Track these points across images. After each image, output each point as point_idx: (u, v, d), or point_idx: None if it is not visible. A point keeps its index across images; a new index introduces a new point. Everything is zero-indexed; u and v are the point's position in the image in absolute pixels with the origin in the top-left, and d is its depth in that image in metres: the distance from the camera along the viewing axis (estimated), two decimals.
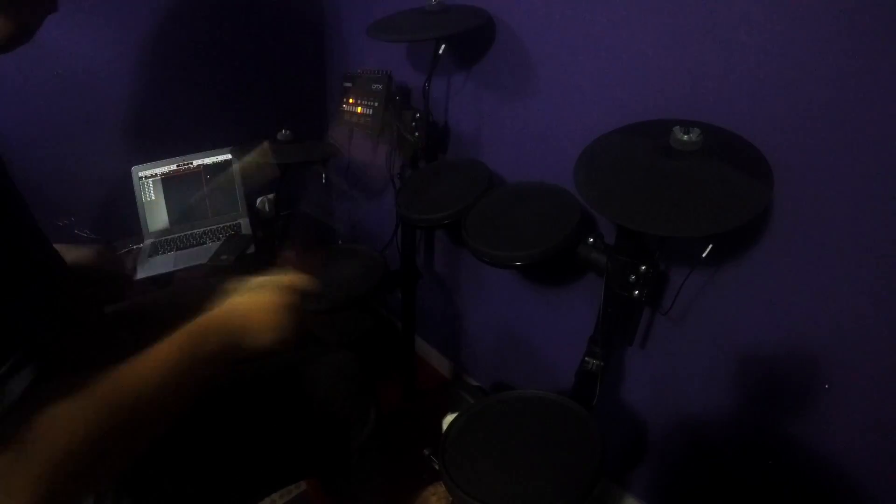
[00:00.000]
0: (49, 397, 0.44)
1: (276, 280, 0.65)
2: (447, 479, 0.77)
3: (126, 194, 1.45)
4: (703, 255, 0.80)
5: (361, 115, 1.33)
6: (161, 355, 0.51)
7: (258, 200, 1.68)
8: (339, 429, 0.85)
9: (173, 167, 1.47)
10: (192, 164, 1.49)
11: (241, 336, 0.58)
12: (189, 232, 1.48)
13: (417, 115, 1.24)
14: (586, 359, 0.96)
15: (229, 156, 1.52)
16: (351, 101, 1.36)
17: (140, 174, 1.45)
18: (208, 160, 1.51)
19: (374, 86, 1.29)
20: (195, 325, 0.56)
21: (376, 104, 1.29)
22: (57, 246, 0.64)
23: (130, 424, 0.48)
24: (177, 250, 1.43)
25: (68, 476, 0.43)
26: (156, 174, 1.46)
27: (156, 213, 1.47)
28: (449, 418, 1.09)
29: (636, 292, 0.86)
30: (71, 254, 0.75)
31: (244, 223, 1.57)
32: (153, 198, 1.47)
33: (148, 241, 1.44)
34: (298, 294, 0.65)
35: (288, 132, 1.42)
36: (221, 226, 1.54)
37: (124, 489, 0.69)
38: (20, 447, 0.42)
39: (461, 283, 1.55)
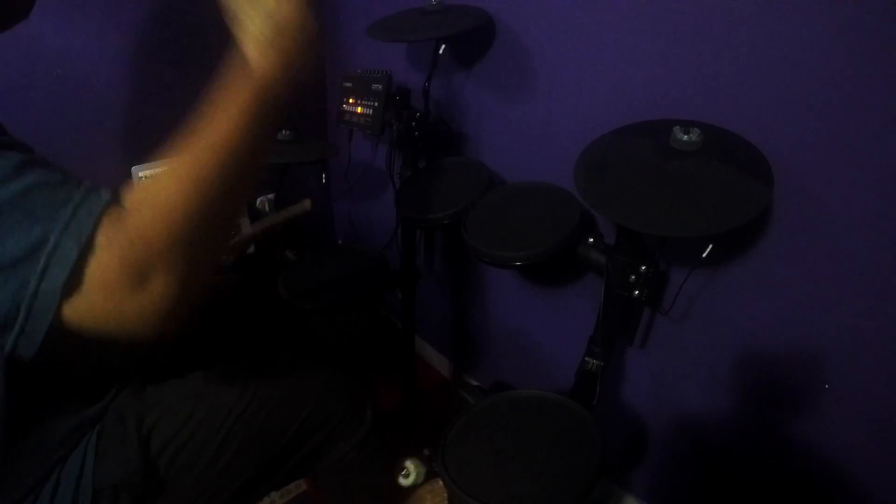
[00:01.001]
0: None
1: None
2: (447, 478, 0.77)
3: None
4: (703, 255, 0.80)
5: (361, 115, 1.33)
6: (234, 108, 0.52)
7: (258, 200, 1.68)
8: (335, 426, 0.85)
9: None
10: None
11: (295, 53, 0.57)
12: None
13: (417, 115, 1.24)
14: (586, 359, 0.96)
15: None
16: (351, 101, 1.36)
17: (140, 174, 1.45)
18: None
19: (374, 86, 1.29)
20: (254, 55, 0.55)
21: (376, 104, 1.28)
22: None
23: (224, 169, 0.50)
24: None
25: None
26: (156, 174, 1.46)
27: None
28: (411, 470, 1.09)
29: (636, 292, 0.86)
30: None
31: (244, 223, 1.57)
32: None
33: None
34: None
35: (288, 132, 1.42)
36: None
37: (124, 489, 0.69)
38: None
39: (461, 283, 1.55)
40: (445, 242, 1.54)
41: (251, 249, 1.44)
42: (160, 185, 0.48)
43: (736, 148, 0.79)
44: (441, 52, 1.14)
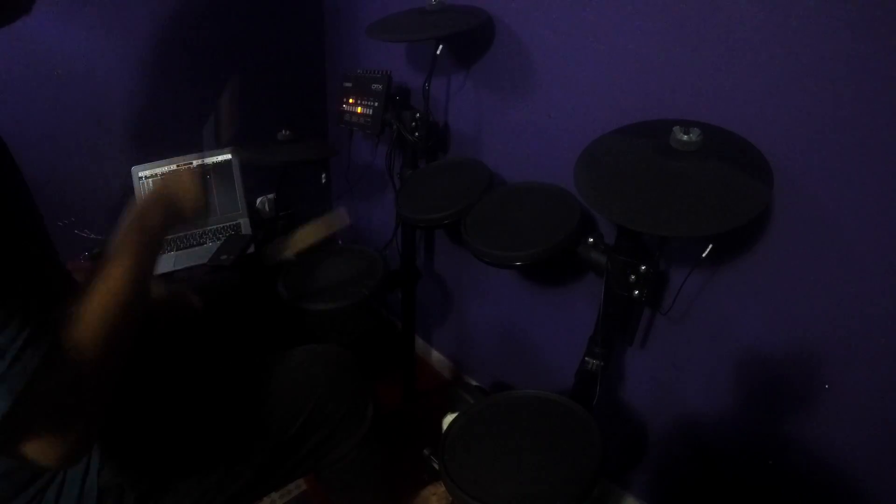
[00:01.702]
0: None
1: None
2: (447, 479, 0.77)
3: (126, 194, 1.45)
4: (703, 255, 0.80)
5: (361, 115, 1.33)
6: (128, 245, 0.62)
7: (258, 200, 1.68)
8: (336, 426, 0.85)
9: (173, 167, 1.47)
10: (192, 163, 1.49)
11: (174, 203, 0.71)
12: (189, 232, 1.48)
13: (417, 115, 1.24)
14: (586, 359, 0.96)
15: (229, 156, 1.52)
16: (351, 101, 1.36)
17: (140, 174, 1.45)
18: (208, 160, 1.51)
19: (374, 86, 1.29)
20: (137, 212, 0.67)
21: (376, 104, 1.29)
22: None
23: (128, 312, 0.58)
24: (177, 250, 1.43)
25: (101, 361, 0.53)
26: (156, 174, 1.46)
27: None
28: (449, 418, 1.09)
29: (636, 292, 0.86)
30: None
31: (244, 223, 1.57)
32: None
33: None
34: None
35: (288, 132, 1.42)
36: (221, 226, 1.54)
37: (129, 488, 0.69)
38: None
39: (461, 283, 1.55)
40: (445, 242, 1.54)
41: (251, 249, 1.44)
42: (83, 340, 0.53)
43: (736, 148, 0.79)
44: (439, 52, 1.14)
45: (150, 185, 1.45)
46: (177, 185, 0.73)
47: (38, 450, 0.50)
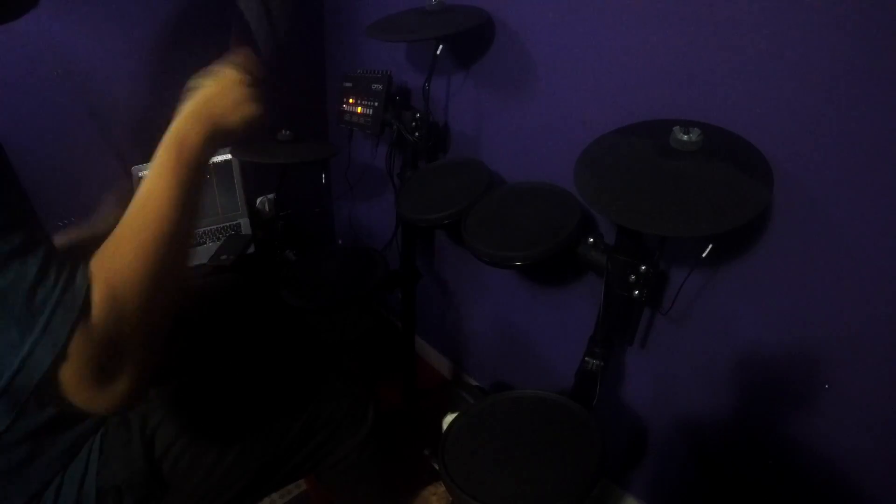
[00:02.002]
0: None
1: (228, 64, 0.69)
2: (447, 479, 0.77)
3: (126, 194, 1.45)
4: (703, 255, 0.80)
5: (361, 115, 1.33)
6: (161, 168, 0.57)
7: (258, 200, 1.68)
8: (337, 427, 0.85)
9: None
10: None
11: (218, 121, 0.63)
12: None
13: (417, 115, 1.24)
14: (586, 359, 0.96)
15: (229, 156, 1.52)
16: (351, 101, 1.36)
17: (140, 174, 1.45)
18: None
19: (374, 86, 1.29)
20: (175, 129, 0.61)
21: (376, 104, 1.29)
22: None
23: (165, 238, 0.53)
24: None
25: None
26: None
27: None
28: (449, 418, 1.09)
29: (636, 292, 0.86)
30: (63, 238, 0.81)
31: (244, 223, 1.57)
32: None
33: None
34: (251, 69, 0.69)
35: (288, 132, 1.42)
36: (221, 226, 1.54)
37: (127, 490, 0.69)
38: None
39: (461, 283, 1.55)
40: (445, 242, 1.54)
41: (251, 249, 1.44)
42: (120, 279, 0.50)
43: (736, 148, 0.79)
44: (439, 52, 1.14)
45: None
46: (221, 93, 0.64)
47: (87, 398, 0.48)
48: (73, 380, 0.47)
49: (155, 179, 0.56)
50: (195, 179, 0.59)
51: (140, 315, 0.50)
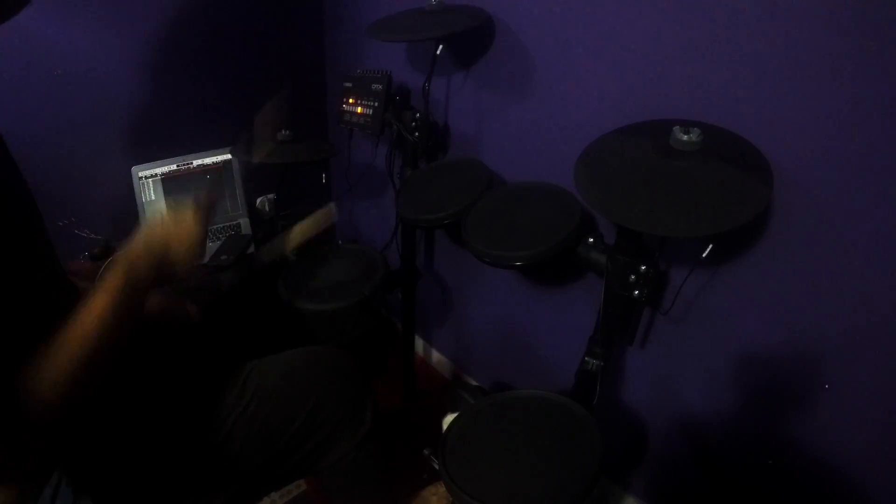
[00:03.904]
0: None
1: (189, 206, 0.74)
2: (447, 479, 0.77)
3: (126, 194, 1.45)
4: (703, 255, 0.80)
5: (361, 115, 1.33)
6: (106, 294, 0.60)
7: (258, 200, 1.68)
8: (335, 427, 0.85)
9: (173, 167, 1.47)
10: (192, 164, 1.49)
11: (165, 259, 0.68)
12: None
13: (417, 115, 1.24)
14: (586, 359, 0.96)
15: (229, 156, 1.52)
16: (351, 101, 1.36)
17: (140, 174, 1.45)
18: (208, 160, 1.51)
19: (374, 86, 1.29)
20: (124, 260, 0.64)
21: (376, 104, 1.29)
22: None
23: (98, 358, 0.57)
24: None
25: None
26: (156, 174, 1.46)
27: (156, 213, 1.47)
28: (449, 418, 1.09)
29: (636, 292, 0.86)
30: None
31: (244, 223, 1.57)
32: (153, 198, 1.47)
33: None
34: (203, 207, 0.75)
35: (288, 132, 1.42)
36: (221, 226, 1.54)
37: (125, 489, 0.69)
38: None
39: (461, 283, 1.55)
40: (445, 242, 1.54)
41: (251, 249, 1.44)
42: (46, 384, 0.53)
43: (736, 148, 0.79)
44: (439, 52, 1.14)
45: (151, 186, 1.45)
46: (174, 232, 0.70)
47: None
48: None
49: (101, 300, 0.59)
50: (134, 309, 0.64)
51: (52, 412, 0.53)
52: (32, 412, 0.52)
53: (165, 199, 1.47)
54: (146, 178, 1.45)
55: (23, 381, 0.52)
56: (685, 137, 0.76)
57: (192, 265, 0.72)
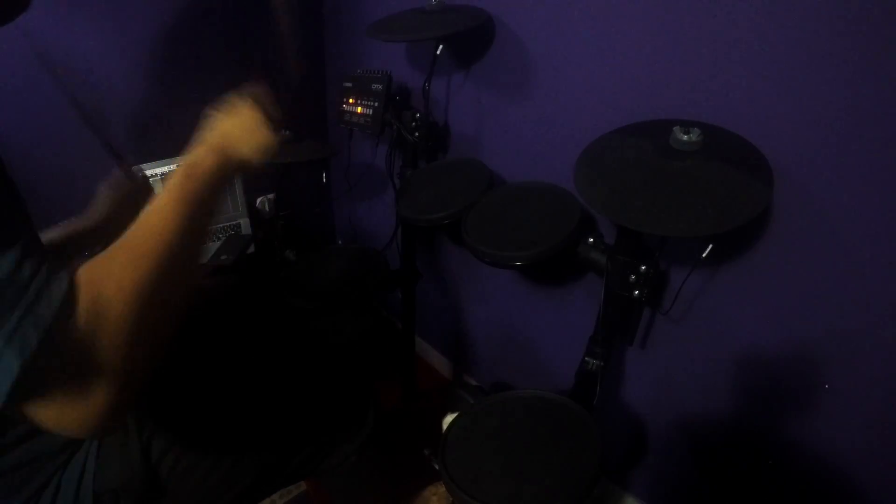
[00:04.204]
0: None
1: (245, 97, 0.70)
2: (447, 479, 0.77)
3: (121, 185, 1.45)
4: (703, 255, 0.80)
5: (361, 115, 1.33)
6: (170, 189, 0.55)
7: (258, 200, 1.68)
8: (337, 429, 0.85)
9: (173, 167, 1.47)
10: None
11: (231, 153, 0.63)
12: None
13: (417, 115, 1.24)
14: (586, 359, 0.96)
15: None
16: (351, 101, 1.36)
17: (140, 174, 1.45)
18: None
19: (374, 86, 1.29)
20: (189, 156, 0.60)
21: (376, 104, 1.29)
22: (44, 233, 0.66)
23: (164, 261, 0.51)
24: None
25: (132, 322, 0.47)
26: (156, 174, 1.46)
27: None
28: (449, 418, 1.09)
29: (636, 292, 0.86)
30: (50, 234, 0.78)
31: (244, 223, 1.57)
32: None
33: None
34: (267, 105, 0.70)
35: (288, 132, 1.42)
36: (221, 226, 1.54)
37: (125, 493, 0.69)
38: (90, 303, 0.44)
39: (461, 283, 1.55)
40: (445, 242, 1.54)
41: (251, 249, 1.44)
42: (107, 286, 0.47)
43: (736, 148, 0.79)
44: (439, 52, 1.14)
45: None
46: (237, 126, 0.65)
47: (55, 417, 0.44)
48: (43, 391, 0.43)
49: (163, 198, 0.55)
50: (203, 206, 0.58)
51: (122, 328, 0.46)
52: (97, 324, 0.45)
53: None
54: (147, 178, 1.45)
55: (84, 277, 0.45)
56: (685, 137, 0.76)
57: (266, 157, 0.67)
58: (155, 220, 0.53)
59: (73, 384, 0.44)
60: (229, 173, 0.63)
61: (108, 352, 0.45)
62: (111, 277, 0.47)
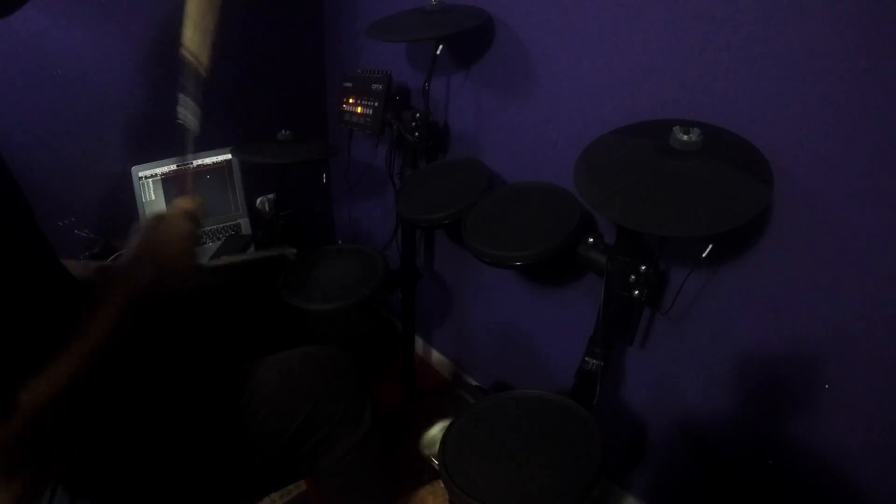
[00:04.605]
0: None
1: (177, 210, 0.72)
2: (447, 478, 0.77)
3: (126, 194, 1.45)
4: (703, 255, 0.80)
5: (361, 115, 1.33)
6: (108, 306, 0.56)
7: (258, 200, 1.68)
8: (334, 427, 0.85)
9: (173, 167, 1.47)
10: (192, 164, 1.49)
11: (164, 265, 0.64)
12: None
13: (417, 115, 1.24)
14: (586, 359, 0.96)
15: (229, 156, 1.52)
16: (351, 101, 1.36)
17: (140, 174, 1.45)
18: (208, 160, 1.51)
19: (374, 86, 1.29)
20: (124, 270, 0.61)
21: (376, 104, 1.29)
22: (67, 262, 0.68)
23: (100, 372, 0.54)
24: None
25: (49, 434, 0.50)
26: (156, 174, 1.46)
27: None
28: (437, 427, 1.08)
29: (636, 292, 0.86)
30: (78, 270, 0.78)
31: (244, 223, 1.57)
32: (153, 198, 1.47)
33: None
34: (195, 219, 0.73)
35: (288, 132, 1.42)
36: (221, 226, 1.54)
37: (123, 491, 0.69)
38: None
39: (461, 283, 1.55)
40: (445, 242, 1.54)
41: (251, 249, 1.44)
42: (43, 393, 0.49)
43: (736, 148, 0.79)
44: (439, 52, 1.14)
45: (151, 186, 1.45)
46: (170, 240, 0.67)
47: None
48: None
49: (102, 314, 0.55)
50: (137, 320, 0.59)
51: (57, 434, 0.50)
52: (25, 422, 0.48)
53: (165, 200, 1.47)
54: (146, 178, 1.45)
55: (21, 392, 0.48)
56: (685, 137, 0.76)
57: (192, 269, 0.69)
58: (93, 339, 0.54)
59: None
60: (162, 287, 0.64)
61: (40, 451, 0.49)
62: (51, 394, 0.49)
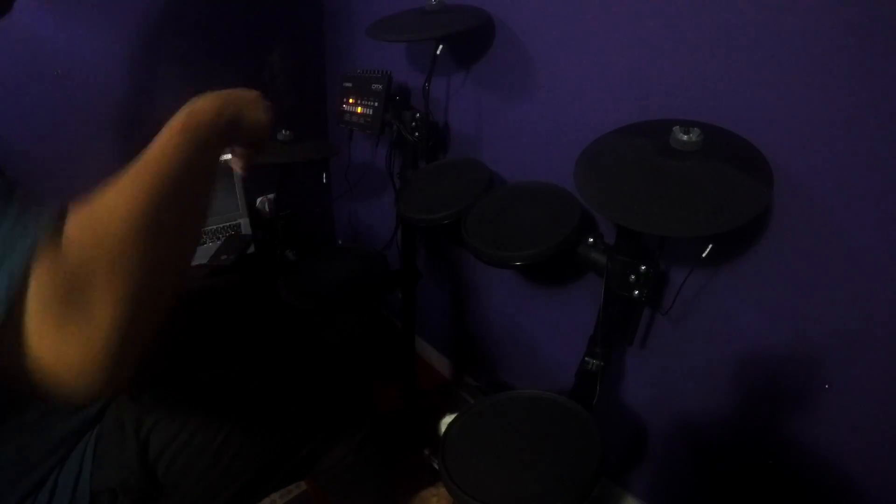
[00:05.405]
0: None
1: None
2: (447, 479, 0.77)
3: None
4: (703, 255, 0.80)
5: (361, 115, 1.33)
6: (169, 133, 0.53)
7: (258, 200, 1.68)
8: (334, 428, 0.85)
9: None
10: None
11: (232, 109, 0.61)
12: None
13: (417, 115, 1.24)
14: (586, 359, 0.96)
15: (229, 156, 1.52)
16: (351, 101, 1.36)
17: None
18: None
19: (374, 86, 1.29)
20: (189, 105, 0.57)
21: (376, 104, 1.29)
22: None
23: (169, 199, 0.49)
24: None
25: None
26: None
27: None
28: (447, 419, 1.09)
29: (636, 292, 0.86)
30: None
31: (244, 223, 1.57)
32: None
33: None
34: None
35: (288, 132, 1.42)
36: (221, 226, 1.54)
37: (122, 491, 0.69)
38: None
39: (461, 283, 1.55)
40: (445, 242, 1.54)
41: (251, 249, 1.44)
42: (103, 209, 0.46)
43: (736, 148, 0.79)
44: (439, 52, 1.14)
45: None
46: (239, 93, 0.64)
47: (53, 350, 0.40)
48: (37, 314, 0.40)
49: (162, 140, 0.52)
50: (204, 154, 0.55)
51: (127, 248, 0.44)
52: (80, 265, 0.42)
53: None
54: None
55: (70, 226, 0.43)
56: (685, 137, 0.76)
57: (263, 127, 0.66)
58: (156, 154, 0.51)
59: (69, 305, 0.41)
60: (227, 133, 0.60)
61: (107, 272, 0.43)
62: (107, 197, 0.46)
